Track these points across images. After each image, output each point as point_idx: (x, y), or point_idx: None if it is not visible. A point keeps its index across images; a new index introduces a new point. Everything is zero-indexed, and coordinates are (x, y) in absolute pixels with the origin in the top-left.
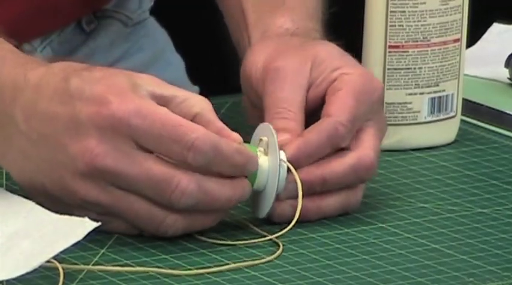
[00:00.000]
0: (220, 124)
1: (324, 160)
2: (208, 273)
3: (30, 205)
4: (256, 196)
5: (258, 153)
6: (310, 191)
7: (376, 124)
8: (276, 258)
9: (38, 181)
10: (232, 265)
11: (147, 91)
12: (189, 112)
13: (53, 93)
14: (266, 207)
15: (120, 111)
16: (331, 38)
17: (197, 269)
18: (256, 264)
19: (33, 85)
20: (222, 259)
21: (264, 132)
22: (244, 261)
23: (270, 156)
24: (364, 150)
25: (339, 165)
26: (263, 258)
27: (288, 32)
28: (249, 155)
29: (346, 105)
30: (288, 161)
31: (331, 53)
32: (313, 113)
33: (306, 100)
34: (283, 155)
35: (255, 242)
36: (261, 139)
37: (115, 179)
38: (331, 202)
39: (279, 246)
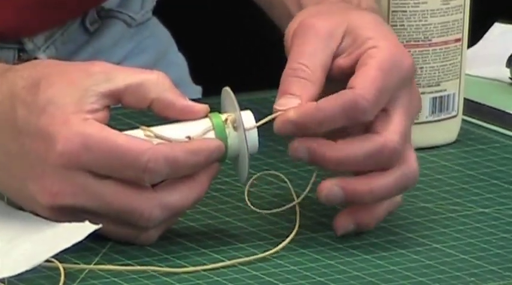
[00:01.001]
0: (180, 103)
1: (347, 141)
2: (204, 270)
3: (28, 214)
4: (235, 163)
5: (227, 123)
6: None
7: (406, 101)
8: (273, 254)
9: (15, 201)
10: (228, 262)
11: (97, 96)
12: (145, 100)
13: (2, 125)
14: (244, 173)
15: (67, 149)
16: None
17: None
18: (253, 261)
19: None
20: (223, 258)
21: (224, 94)
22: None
23: (237, 124)
24: (389, 135)
25: (359, 149)
26: (263, 257)
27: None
28: (207, 151)
29: (371, 78)
30: (294, 124)
31: (366, 22)
32: (341, 82)
33: (333, 67)
34: (250, 117)
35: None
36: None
37: (79, 211)
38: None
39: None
